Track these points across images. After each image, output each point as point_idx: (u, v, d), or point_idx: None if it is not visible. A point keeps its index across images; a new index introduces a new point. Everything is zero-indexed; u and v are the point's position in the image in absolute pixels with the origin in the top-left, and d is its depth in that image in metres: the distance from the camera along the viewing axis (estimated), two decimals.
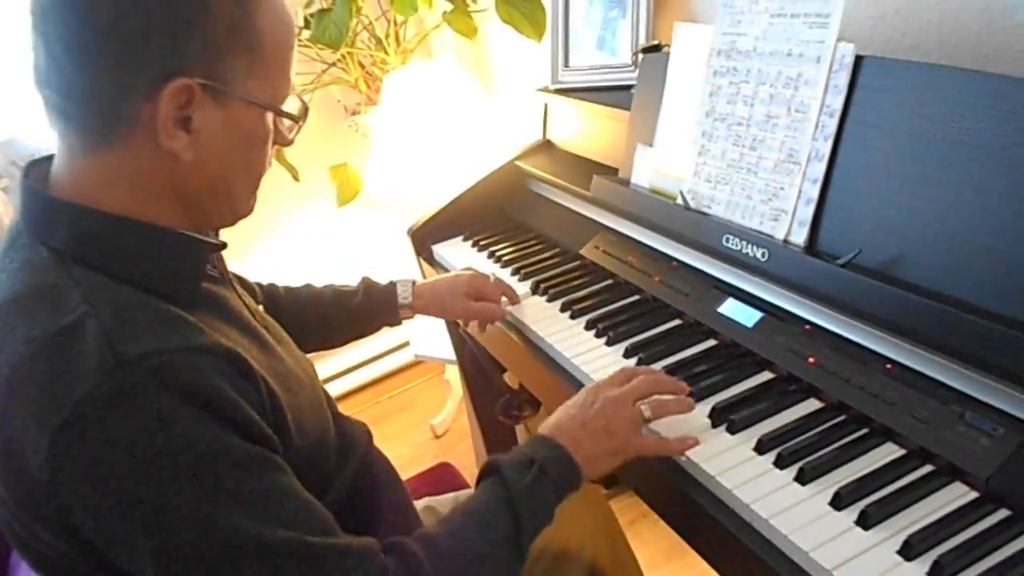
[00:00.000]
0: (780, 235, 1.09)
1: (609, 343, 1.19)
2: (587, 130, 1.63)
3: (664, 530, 1.03)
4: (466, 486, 1.39)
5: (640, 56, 1.41)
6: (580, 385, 1.14)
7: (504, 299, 1.33)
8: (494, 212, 1.69)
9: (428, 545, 0.77)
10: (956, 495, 0.81)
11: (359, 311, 1.24)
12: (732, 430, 0.95)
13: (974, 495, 0.80)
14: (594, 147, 1.59)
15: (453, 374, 2.46)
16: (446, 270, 1.60)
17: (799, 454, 0.89)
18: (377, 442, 1.03)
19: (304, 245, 2.51)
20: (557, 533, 1.08)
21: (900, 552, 0.75)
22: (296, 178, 2.22)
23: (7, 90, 1.98)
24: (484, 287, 1.30)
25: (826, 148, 1.04)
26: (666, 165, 1.30)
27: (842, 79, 1.02)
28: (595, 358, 1.16)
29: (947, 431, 0.83)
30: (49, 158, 0.77)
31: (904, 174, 0.96)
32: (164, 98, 0.69)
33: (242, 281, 1.09)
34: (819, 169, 1.05)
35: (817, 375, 0.97)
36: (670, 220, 1.25)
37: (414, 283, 1.28)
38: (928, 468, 0.84)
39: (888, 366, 0.92)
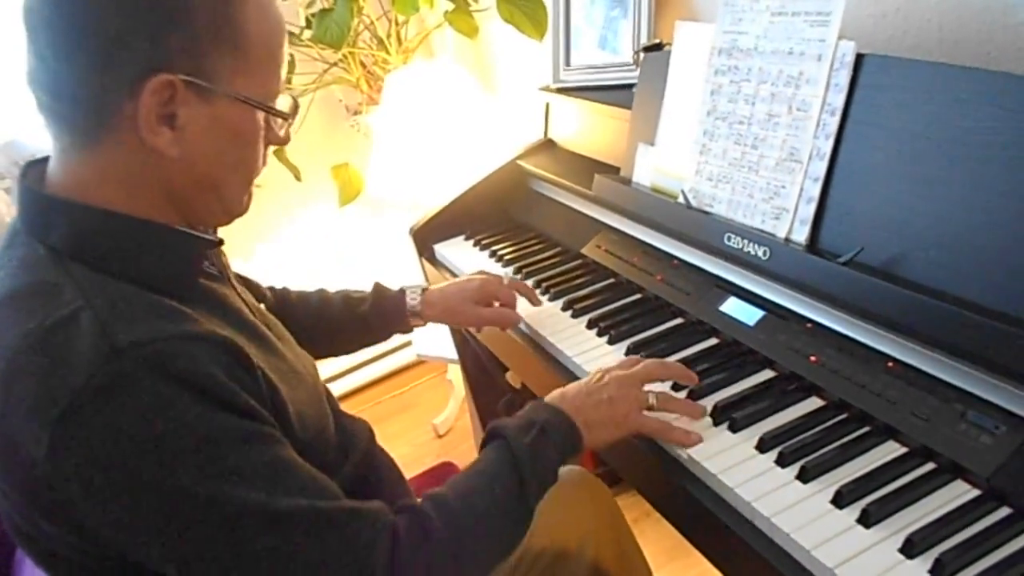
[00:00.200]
0: (781, 233, 1.09)
1: (611, 342, 1.19)
2: (588, 129, 1.63)
3: (667, 529, 1.03)
4: None
5: (641, 55, 1.41)
6: None
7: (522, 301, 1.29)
8: (496, 211, 1.69)
9: (437, 504, 0.80)
10: (957, 493, 0.81)
11: (368, 318, 1.22)
12: (734, 428, 0.95)
13: (975, 493, 0.80)
14: (595, 146, 1.59)
15: (455, 374, 2.46)
16: (448, 269, 1.60)
17: (801, 452, 0.89)
18: (379, 441, 1.03)
19: (306, 245, 2.51)
20: (557, 531, 1.09)
21: (901, 550, 0.75)
22: (298, 178, 2.22)
23: (8, 92, 1.99)
24: (497, 291, 1.26)
25: (827, 146, 1.04)
26: (667, 164, 1.30)
27: (843, 77, 1.02)
28: (597, 357, 1.16)
29: (948, 429, 0.83)
30: (46, 159, 0.78)
31: (905, 172, 0.96)
32: (145, 94, 0.70)
33: (247, 281, 1.09)
34: (820, 167, 1.05)
35: (818, 373, 0.97)
36: (672, 219, 1.25)
37: (424, 290, 1.24)
38: (929, 466, 0.84)
39: (889, 364, 0.92)
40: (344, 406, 1.01)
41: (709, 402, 1.00)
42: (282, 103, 0.81)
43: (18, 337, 0.68)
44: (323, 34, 1.96)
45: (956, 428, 0.83)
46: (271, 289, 1.19)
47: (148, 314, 0.70)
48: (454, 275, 1.57)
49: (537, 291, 1.38)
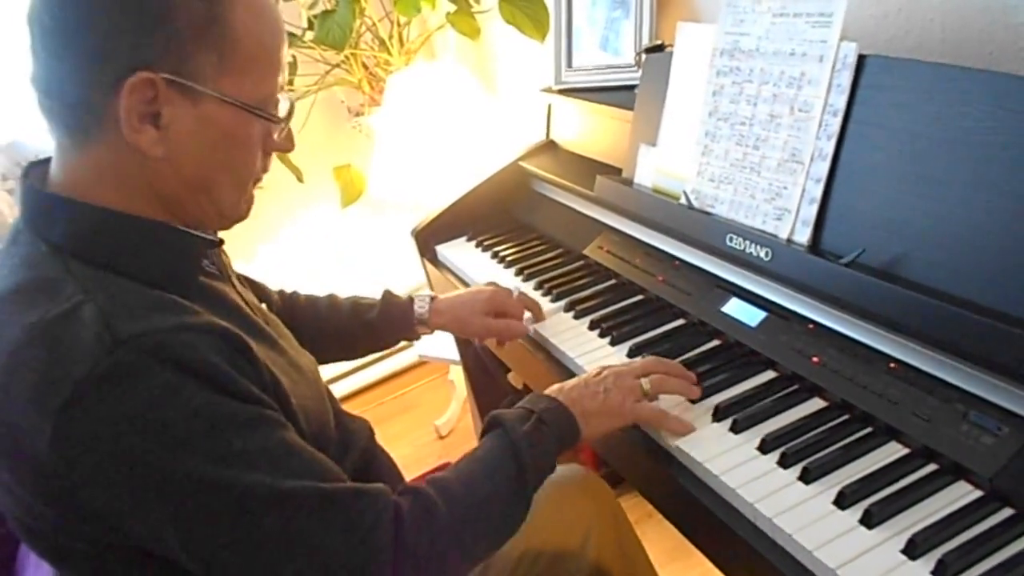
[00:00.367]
0: (783, 234, 1.09)
1: (613, 343, 1.19)
2: (590, 130, 1.63)
3: (668, 530, 1.03)
4: None
5: (643, 56, 1.41)
6: None
7: (528, 315, 1.29)
8: (498, 212, 1.69)
9: (440, 487, 0.81)
10: (960, 494, 0.81)
11: (375, 324, 1.22)
12: (736, 429, 0.95)
13: (978, 494, 0.80)
14: (597, 147, 1.59)
15: (457, 375, 2.46)
16: (450, 271, 1.60)
17: (803, 453, 0.89)
18: (381, 442, 1.04)
19: (308, 246, 2.52)
20: (556, 529, 1.09)
21: (904, 551, 0.75)
22: (300, 179, 2.22)
23: (9, 93, 1.99)
24: (505, 303, 1.26)
25: (829, 147, 1.04)
26: (669, 165, 1.30)
27: (845, 78, 1.02)
28: (599, 358, 1.16)
29: (951, 430, 0.83)
30: (48, 160, 0.79)
31: (907, 173, 0.96)
32: (125, 92, 0.71)
33: (252, 282, 1.09)
34: (822, 168, 1.05)
35: (821, 374, 0.97)
36: (673, 220, 1.25)
37: (433, 298, 1.25)
38: (932, 467, 0.84)
39: (892, 365, 0.92)
40: (346, 407, 1.01)
41: (711, 403, 1.00)
42: (279, 106, 0.81)
43: (20, 331, 0.69)
44: (325, 35, 1.97)
45: (958, 429, 0.83)
46: (279, 293, 1.20)
47: (149, 308, 0.71)
48: (456, 276, 1.58)
49: (539, 292, 1.38)
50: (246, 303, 0.89)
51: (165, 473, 0.67)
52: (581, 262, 1.45)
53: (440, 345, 2.16)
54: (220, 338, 0.72)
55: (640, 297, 1.29)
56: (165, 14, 0.70)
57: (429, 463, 1.49)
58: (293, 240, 2.49)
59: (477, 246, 1.62)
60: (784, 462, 0.88)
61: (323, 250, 2.55)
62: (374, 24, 2.22)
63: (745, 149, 1.15)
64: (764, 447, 0.91)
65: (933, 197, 0.94)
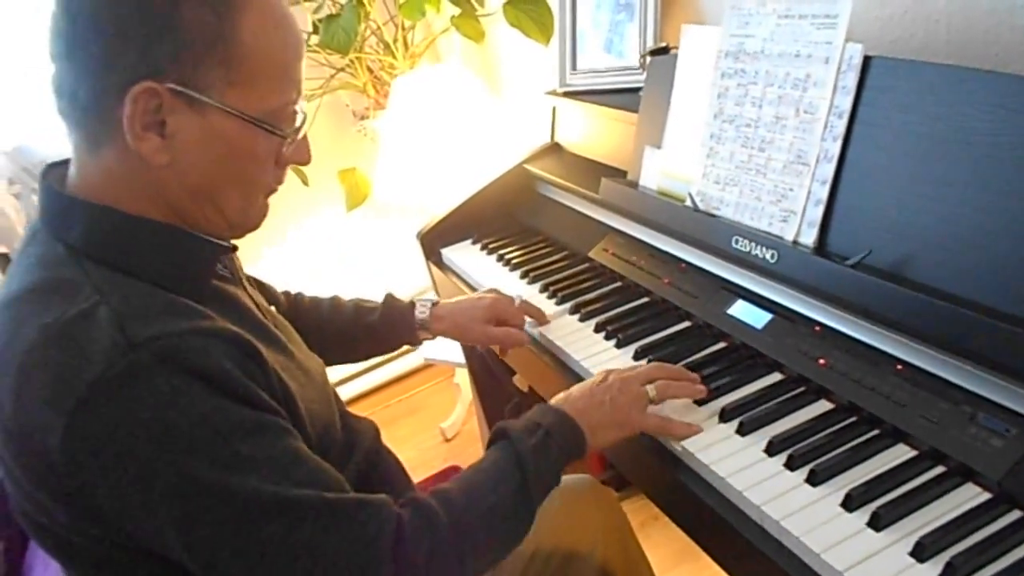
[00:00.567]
0: (789, 236, 1.09)
1: (619, 345, 1.19)
2: (595, 133, 1.63)
3: (675, 533, 1.03)
4: None
5: (648, 58, 1.41)
6: None
7: (529, 320, 1.29)
8: (503, 215, 1.69)
9: (442, 498, 0.81)
10: (968, 496, 0.80)
11: (376, 327, 1.22)
12: (743, 431, 0.95)
13: (986, 496, 0.80)
14: (602, 150, 1.59)
15: (463, 377, 2.46)
16: (455, 274, 1.61)
17: (810, 456, 0.88)
18: (385, 442, 1.04)
19: (313, 249, 2.52)
20: (566, 534, 1.09)
21: (912, 554, 0.75)
22: (305, 183, 2.23)
23: (17, 98, 2.00)
24: (507, 311, 1.26)
25: (835, 149, 1.04)
26: (674, 167, 1.30)
27: (850, 80, 1.02)
28: (605, 360, 1.16)
29: (959, 432, 0.83)
30: (67, 161, 0.80)
31: (913, 174, 0.96)
32: (128, 99, 0.71)
33: (260, 284, 1.10)
34: (828, 170, 1.04)
35: (827, 376, 0.97)
36: (679, 222, 1.25)
37: (434, 304, 1.25)
38: (940, 469, 0.84)
39: (899, 367, 0.92)
40: (352, 409, 1.02)
41: (717, 405, 1.00)
42: (292, 118, 0.81)
43: (36, 331, 0.69)
44: (330, 39, 1.97)
45: (966, 431, 0.82)
46: (285, 294, 1.20)
47: (162, 311, 0.72)
48: (461, 279, 1.58)
49: (544, 295, 1.38)
50: (257, 306, 0.90)
51: (171, 476, 0.67)
52: (586, 265, 1.45)
53: (445, 348, 2.17)
54: (232, 343, 0.73)
55: (646, 299, 1.29)
56: (173, 24, 0.71)
57: (435, 465, 1.49)
58: (299, 243, 2.49)
59: (482, 249, 1.63)
60: (791, 464, 0.88)
61: (328, 253, 2.55)
62: (379, 28, 2.22)
63: (750, 151, 1.15)
64: (771, 449, 0.91)
65: (939, 198, 0.93)
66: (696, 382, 1.02)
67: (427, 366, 2.70)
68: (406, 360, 2.68)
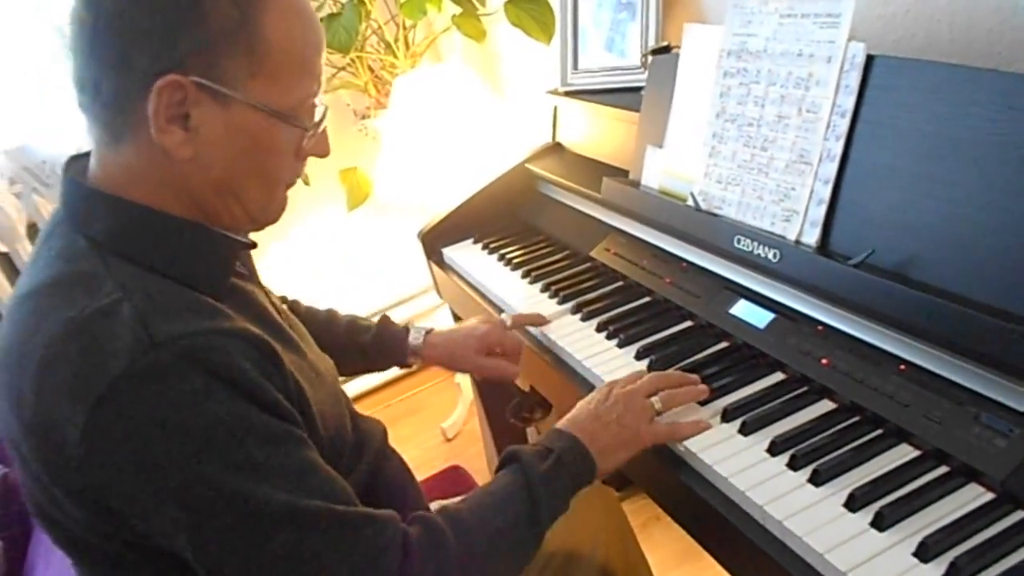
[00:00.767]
0: (792, 236, 1.09)
1: (620, 345, 1.19)
2: (597, 132, 1.63)
3: (677, 532, 1.03)
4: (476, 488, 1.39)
5: (650, 58, 1.41)
6: (591, 387, 1.14)
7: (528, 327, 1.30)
8: (504, 215, 1.69)
9: (450, 518, 0.81)
10: (972, 496, 0.80)
11: (368, 348, 1.23)
12: (745, 431, 0.95)
13: (990, 496, 0.80)
14: (604, 149, 1.59)
15: (464, 377, 2.46)
16: (456, 273, 1.60)
17: (813, 455, 0.88)
18: (391, 445, 1.04)
19: (314, 249, 2.52)
20: (568, 535, 1.09)
21: (916, 554, 0.75)
22: (306, 182, 2.23)
23: (18, 98, 2.00)
24: (500, 340, 1.25)
25: (838, 148, 1.03)
26: (676, 167, 1.30)
27: (853, 79, 1.01)
28: (606, 360, 1.16)
29: (962, 432, 0.83)
30: (87, 155, 0.80)
31: (917, 173, 0.96)
32: (154, 93, 0.71)
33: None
34: (831, 169, 1.04)
35: (830, 376, 0.97)
36: (681, 222, 1.25)
37: (429, 332, 1.25)
38: (943, 469, 0.84)
39: (902, 367, 0.92)
40: None
41: (720, 405, 0.99)
42: (315, 112, 0.81)
43: (59, 324, 0.69)
44: (331, 38, 1.97)
45: (970, 431, 0.82)
46: (283, 299, 1.20)
47: (185, 309, 0.72)
48: (462, 279, 1.58)
49: (546, 294, 1.38)
50: (272, 305, 0.90)
51: (186, 477, 0.67)
52: (588, 264, 1.45)
53: None
54: (252, 345, 0.73)
55: (647, 299, 1.29)
56: (196, 18, 0.71)
57: (435, 465, 1.49)
58: (299, 243, 2.49)
59: (483, 248, 1.62)
60: (794, 464, 0.88)
61: (329, 253, 2.55)
62: (380, 27, 2.22)
63: (753, 150, 1.15)
64: (773, 449, 0.91)
65: (942, 198, 0.93)
66: (696, 384, 1.02)
67: (428, 366, 2.69)
68: None
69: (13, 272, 2.15)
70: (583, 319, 1.28)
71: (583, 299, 1.32)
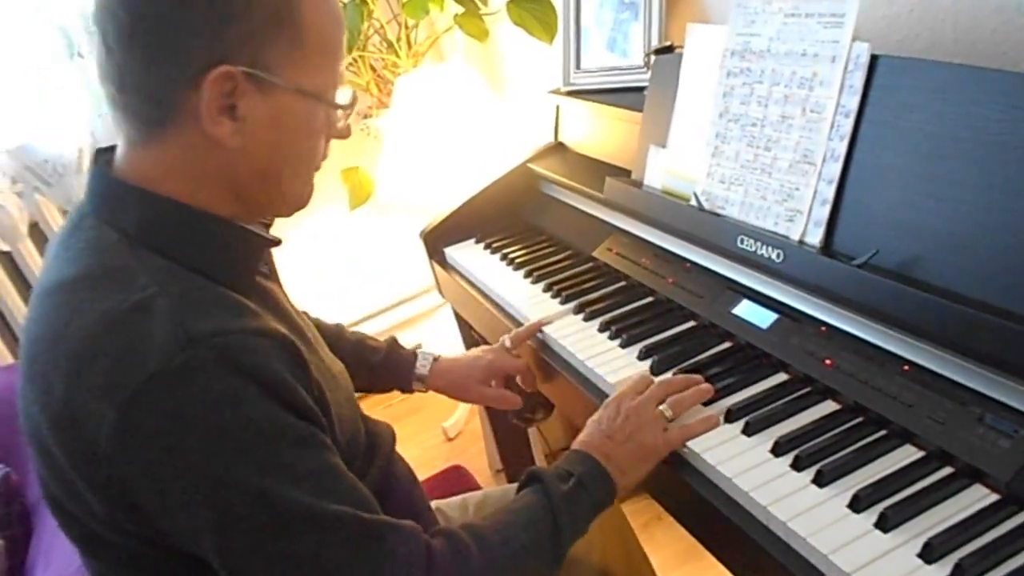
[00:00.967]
0: (795, 236, 1.09)
1: (623, 345, 1.18)
2: (599, 132, 1.62)
3: (679, 532, 1.02)
4: (478, 488, 1.39)
5: (652, 57, 1.41)
6: (595, 388, 1.14)
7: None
8: (506, 214, 1.69)
9: (475, 534, 0.81)
10: (976, 497, 0.80)
11: (375, 369, 1.23)
12: (749, 432, 0.94)
13: (995, 497, 0.79)
14: (606, 149, 1.59)
15: None
16: (459, 273, 1.60)
17: (817, 456, 0.88)
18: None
19: (316, 248, 2.52)
20: None
21: (920, 555, 0.75)
22: None
23: (19, 97, 2.00)
24: (504, 367, 1.26)
25: (842, 148, 1.03)
26: (679, 167, 1.30)
27: (857, 79, 1.01)
28: (609, 360, 1.16)
29: (966, 433, 0.82)
30: (113, 148, 0.80)
31: (921, 174, 0.96)
32: (206, 85, 0.71)
33: None
34: (835, 169, 1.04)
35: (834, 377, 0.96)
36: (684, 221, 1.24)
37: (436, 359, 1.25)
38: (947, 470, 0.84)
39: (906, 367, 0.91)
40: None
41: (723, 405, 0.99)
42: (342, 95, 0.82)
43: (94, 317, 0.69)
44: None
45: (974, 432, 0.82)
46: None
47: (218, 306, 0.72)
48: (465, 278, 1.57)
49: (548, 294, 1.38)
50: (291, 304, 0.90)
51: (213, 477, 0.67)
52: (590, 264, 1.45)
53: (447, 347, 2.16)
54: (282, 346, 0.73)
55: (650, 299, 1.29)
56: (242, 7, 0.71)
57: (436, 465, 1.49)
58: (301, 242, 2.49)
59: (486, 248, 1.62)
60: (798, 465, 0.88)
61: (331, 252, 2.55)
62: (382, 26, 2.22)
63: (756, 150, 1.15)
64: (777, 450, 0.91)
65: (947, 198, 0.93)
66: (701, 383, 1.02)
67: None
68: None
69: (15, 271, 2.15)
70: (585, 319, 1.27)
71: (585, 299, 1.32)
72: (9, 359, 2.14)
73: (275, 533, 0.69)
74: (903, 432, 0.88)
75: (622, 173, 1.44)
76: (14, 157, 2.05)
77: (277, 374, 0.70)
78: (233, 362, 0.68)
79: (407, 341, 1.29)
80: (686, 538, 0.99)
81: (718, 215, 1.20)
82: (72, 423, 0.69)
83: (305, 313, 1.23)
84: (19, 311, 2.14)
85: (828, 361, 0.98)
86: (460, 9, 2.07)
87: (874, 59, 1.01)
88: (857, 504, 0.81)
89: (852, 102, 1.02)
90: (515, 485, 0.94)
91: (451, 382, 1.25)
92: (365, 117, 2.37)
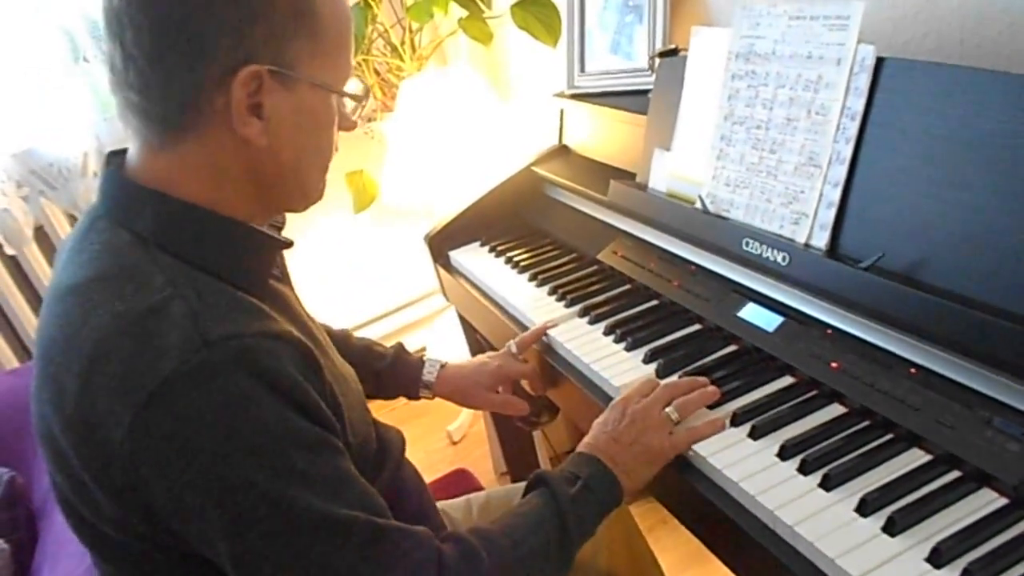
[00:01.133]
0: (801, 239, 1.08)
1: (628, 348, 1.18)
2: (604, 135, 1.62)
3: (684, 536, 1.02)
4: (481, 490, 1.39)
5: (657, 60, 1.41)
6: (600, 391, 1.14)
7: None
8: (511, 217, 1.69)
9: (484, 537, 0.81)
10: (985, 502, 0.79)
11: (382, 376, 1.23)
12: (755, 435, 0.94)
13: (1003, 502, 0.79)
14: (611, 152, 1.59)
15: None
16: (463, 276, 1.60)
17: (823, 460, 0.88)
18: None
19: (321, 252, 2.52)
20: None
21: (928, 560, 0.74)
22: None
23: (24, 101, 2.00)
24: (510, 372, 1.26)
25: (847, 151, 1.03)
26: (684, 169, 1.29)
27: (863, 81, 1.01)
28: (614, 363, 1.16)
29: (974, 436, 0.82)
30: (124, 151, 0.80)
31: (927, 176, 0.95)
32: (236, 86, 0.72)
33: None
34: (840, 172, 1.04)
35: (840, 380, 0.96)
36: (689, 224, 1.24)
37: (443, 366, 1.25)
38: (955, 474, 0.83)
39: (912, 370, 0.91)
40: None
41: (729, 409, 0.99)
42: (352, 87, 0.83)
43: (109, 319, 0.69)
44: None
45: (982, 435, 0.82)
46: None
47: (233, 309, 0.72)
48: (469, 282, 1.57)
49: (553, 297, 1.38)
50: (302, 307, 0.91)
51: (227, 480, 0.67)
52: (595, 267, 1.44)
53: (452, 350, 2.16)
54: (297, 349, 0.73)
55: (655, 302, 1.28)
56: (264, 6, 0.71)
57: (441, 468, 1.49)
58: (306, 246, 2.49)
59: (490, 251, 1.62)
60: (804, 469, 0.88)
61: (336, 256, 2.55)
62: (386, 30, 2.22)
63: (761, 153, 1.15)
64: (784, 453, 0.90)
65: (953, 200, 0.93)
66: (707, 386, 1.01)
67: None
68: None
69: (20, 275, 2.16)
70: (591, 322, 1.27)
71: (590, 302, 1.32)
72: (14, 363, 2.14)
73: (287, 537, 0.69)
74: (910, 436, 0.88)
75: (627, 176, 1.44)
76: (19, 161, 2.05)
77: (291, 378, 0.70)
78: (248, 365, 0.68)
79: (411, 344, 1.30)
80: (691, 542, 0.98)
81: (723, 218, 1.19)
82: (86, 425, 0.69)
83: (321, 323, 1.23)
84: (24, 315, 2.14)
85: (834, 364, 0.98)
86: (464, 13, 2.07)
87: (880, 61, 1.00)
88: (864, 508, 0.81)
89: (858, 104, 1.02)
90: (518, 484, 0.94)
91: (458, 389, 1.25)
92: (369, 121, 2.37)
